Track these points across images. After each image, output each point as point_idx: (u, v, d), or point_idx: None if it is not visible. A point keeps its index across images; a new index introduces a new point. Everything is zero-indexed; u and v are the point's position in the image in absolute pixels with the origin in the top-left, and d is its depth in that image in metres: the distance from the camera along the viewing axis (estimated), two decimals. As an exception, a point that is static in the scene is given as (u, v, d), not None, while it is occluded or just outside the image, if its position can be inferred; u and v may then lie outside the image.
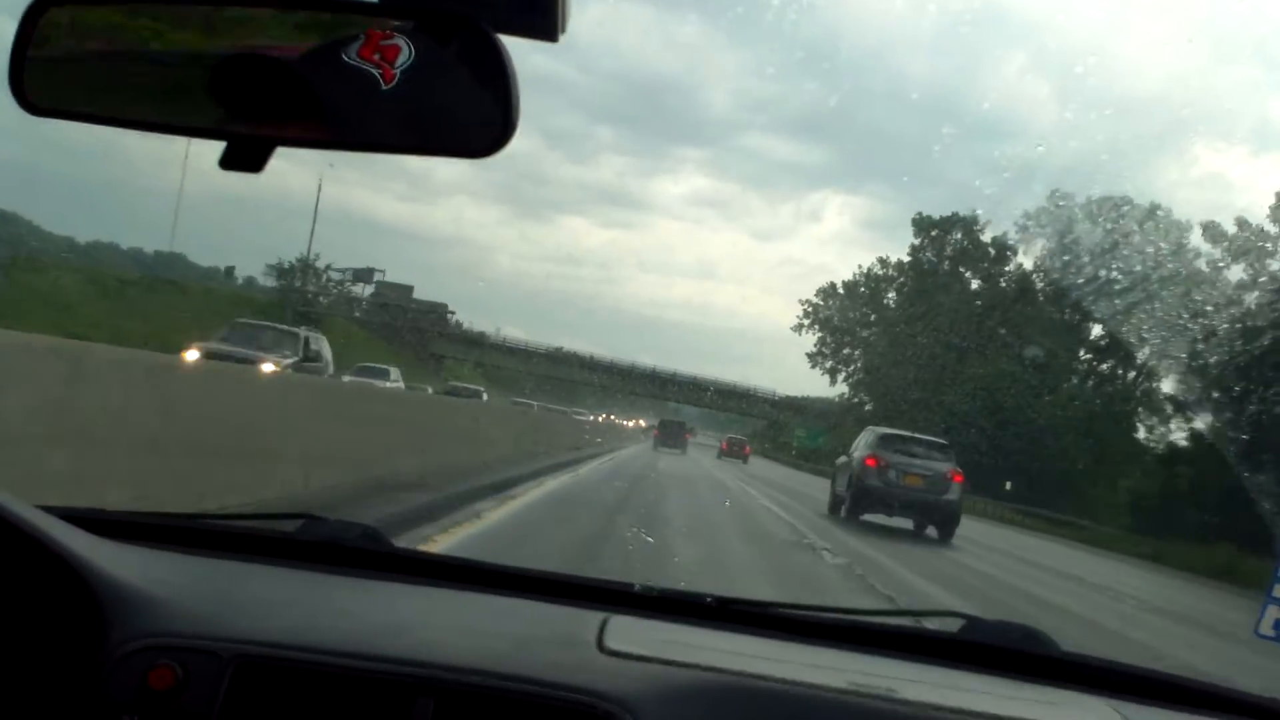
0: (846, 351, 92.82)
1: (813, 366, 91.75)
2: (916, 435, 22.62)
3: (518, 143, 1.21)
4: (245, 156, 1.24)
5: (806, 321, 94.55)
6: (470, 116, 1.21)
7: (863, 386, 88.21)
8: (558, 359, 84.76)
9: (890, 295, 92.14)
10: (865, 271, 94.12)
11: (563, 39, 1.18)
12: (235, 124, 1.25)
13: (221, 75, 1.25)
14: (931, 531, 20.68)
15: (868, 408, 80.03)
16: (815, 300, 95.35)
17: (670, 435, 50.98)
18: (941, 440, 22.40)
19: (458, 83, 1.21)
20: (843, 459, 22.42)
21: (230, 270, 64.64)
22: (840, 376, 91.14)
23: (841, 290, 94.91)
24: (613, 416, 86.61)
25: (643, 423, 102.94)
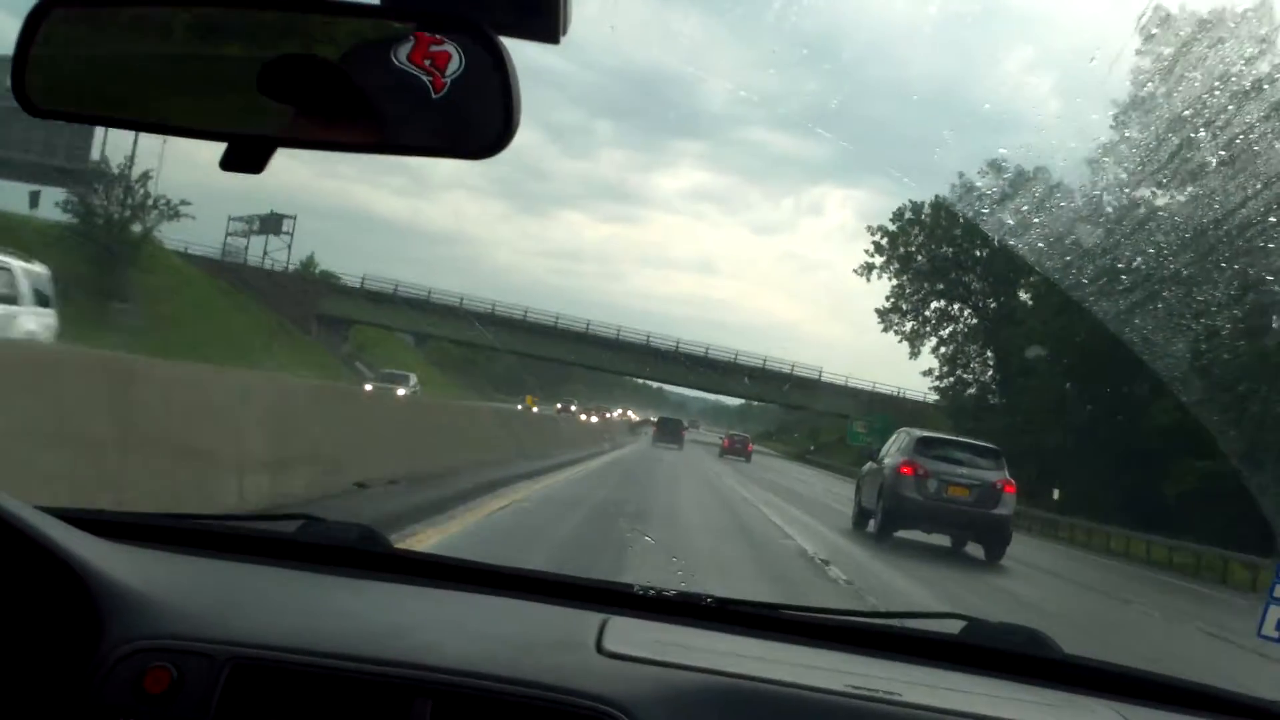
0: (939, 306, 60.76)
1: (885, 329, 61.53)
2: (960, 439, 19.62)
3: (518, 137, 1.21)
4: (246, 157, 1.24)
5: (879, 260, 60.69)
6: (471, 118, 1.21)
7: (966, 360, 58.97)
8: (519, 326, 63.54)
9: (1003, 217, 47.26)
10: (964, 184, 53.59)
11: (564, 38, 1.18)
12: (237, 125, 1.25)
13: (223, 76, 1.25)
14: (973, 550, 17.72)
15: (970, 391, 57.32)
16: (889, 226, 60.95)
17: (668, 433, 53.80)
18: (990, 445, 19.31)
19: (459, 84, 1.21)
20: (869, 466, 19.45)
21: (36, 196, 47.90)
22: (927, 345, 60.37)
23: (928, 212, 58.79)
24: (571, 408, 59.99)
25: (633, 416, 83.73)
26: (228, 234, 65.97)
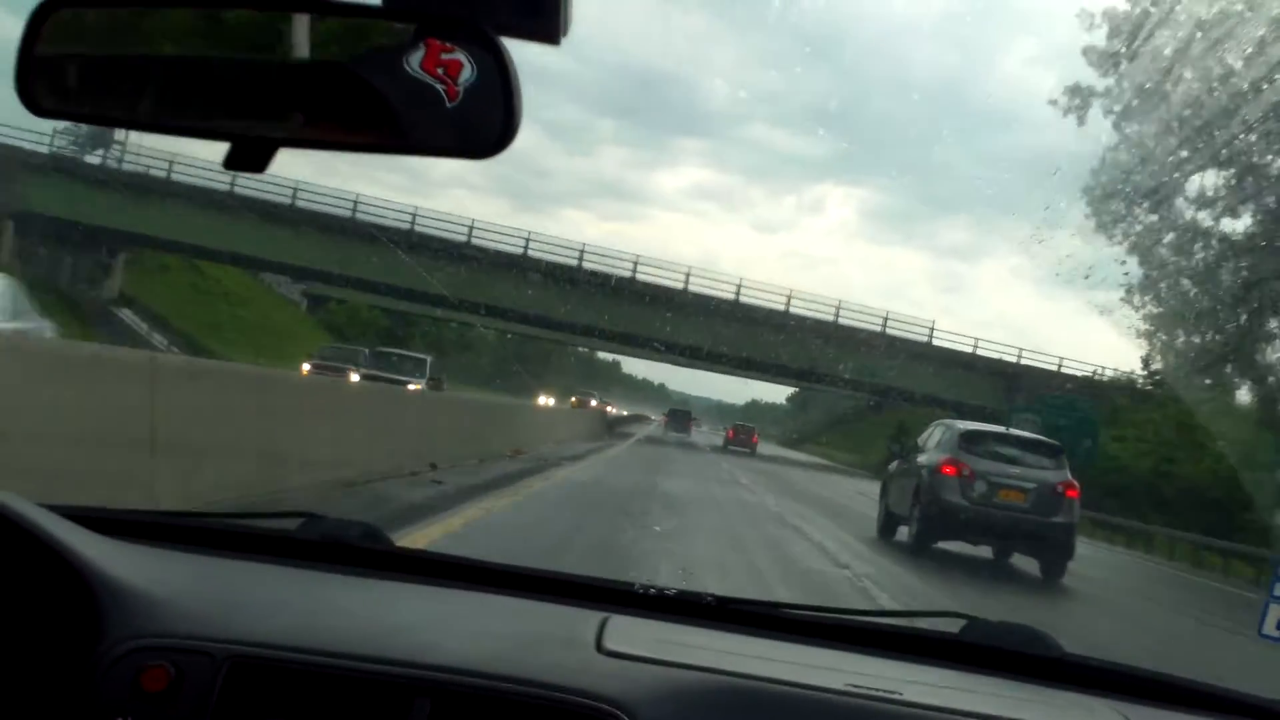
0: (1223, 178, 27.37)
1: (1099, 225, 30.83)
2: (1012, 432, 16.36)
3: (519, 135, 1.22)
4: (249, 157, 1.25)
5: (1102, 82, 29.79)
6: (473, 118, 1.21)
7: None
8: (429, 247, 37.23)
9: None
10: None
11: (564, 38, 1.19)
12: (239, 125, 1.25)
13: (226, 76, 1.25)
14: (1021, 564, 15.10)
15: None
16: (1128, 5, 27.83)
17: (677, 423, 60.85)
18: (1049, 440, 16.03)
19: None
20: (896, 464, 16.64)
21: None
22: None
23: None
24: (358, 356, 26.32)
25: (613, 409, 59.83)
26: (53, 148, 40.86)
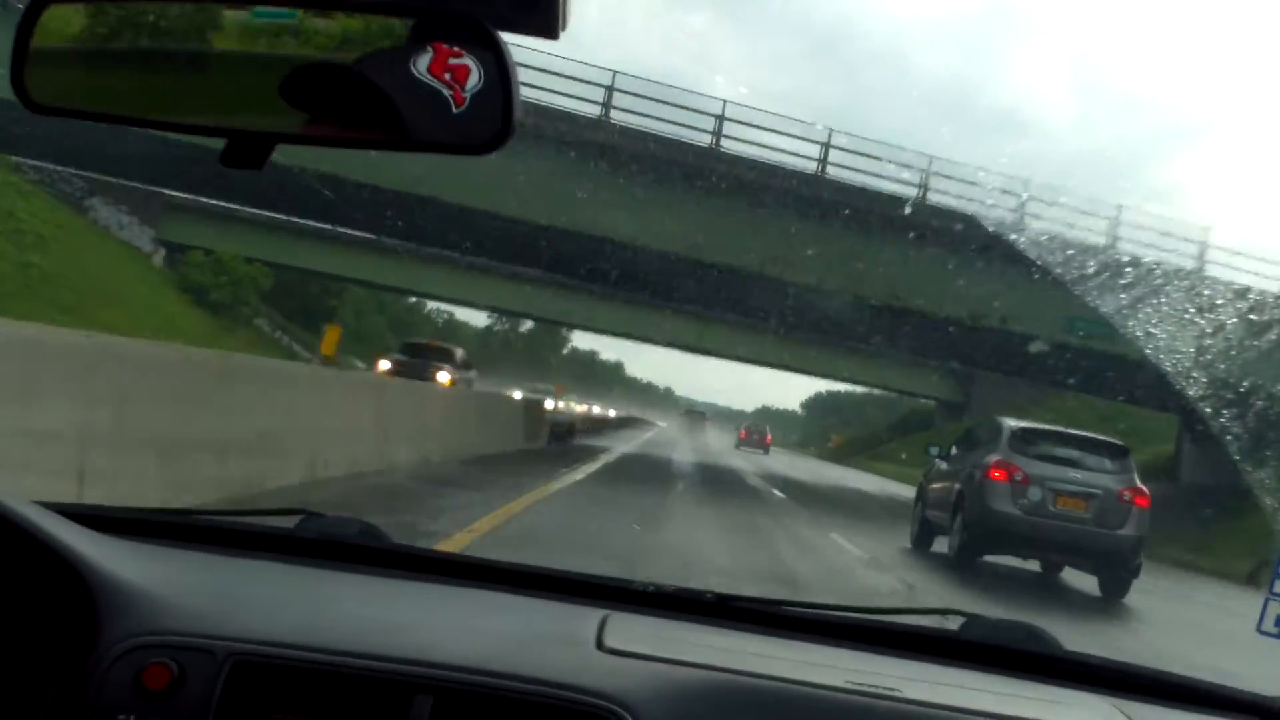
0: None
1: None
2: (1070, 430, 14.12)
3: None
4: (246, 153, 1.24)
5: None
6: (472, 115, 1.20)
7: None
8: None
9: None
10: None
11: (564, 35, 1.18)
12: (236, 121, 1.25)
13: (223, 72, 1.25)
14: (1076, 582, 13.36)
15: None
16: None
17: (693, 422, 74.13)
18: (1112, 439, 13.92)
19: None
20: (939, 466, 14.71)
21: None
22: None
23: None
24: None
25: (569, 408, 47.12)
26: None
